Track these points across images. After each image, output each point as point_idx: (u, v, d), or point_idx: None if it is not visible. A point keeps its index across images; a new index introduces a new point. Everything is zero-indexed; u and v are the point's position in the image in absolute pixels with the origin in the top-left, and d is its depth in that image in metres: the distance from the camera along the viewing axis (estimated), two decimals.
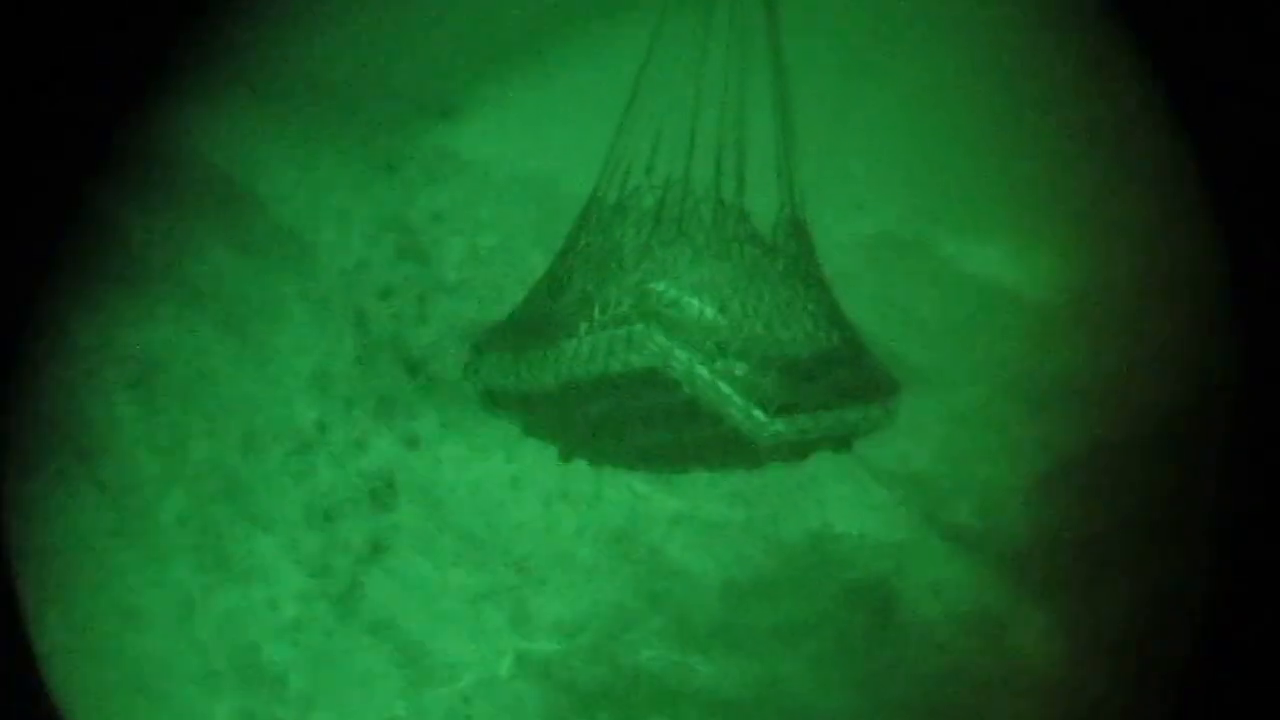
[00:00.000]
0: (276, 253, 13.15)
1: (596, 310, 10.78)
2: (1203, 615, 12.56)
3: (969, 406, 13.22)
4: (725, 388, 10.65)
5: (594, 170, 11.73)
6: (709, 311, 10.81)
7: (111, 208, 12.86)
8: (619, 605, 13.29)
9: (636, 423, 11.11)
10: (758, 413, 10.79)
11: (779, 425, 10.86)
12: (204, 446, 12.96)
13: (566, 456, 12.07)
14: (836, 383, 11.21)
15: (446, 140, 13.26)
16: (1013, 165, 13.31)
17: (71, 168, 12.25)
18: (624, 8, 12.21)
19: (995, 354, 13.26)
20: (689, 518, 13.32)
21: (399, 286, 13.34)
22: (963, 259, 13.34)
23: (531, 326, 11.24)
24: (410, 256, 13.32)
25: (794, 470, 12.08)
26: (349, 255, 13.24)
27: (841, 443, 11.50)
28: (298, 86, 13.04)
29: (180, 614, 12.83)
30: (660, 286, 10.70)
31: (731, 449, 11.19)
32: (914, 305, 13.37)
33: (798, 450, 11.30)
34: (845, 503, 13.22)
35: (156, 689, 12.75)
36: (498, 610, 13.25)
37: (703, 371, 10.54)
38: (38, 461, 12.62)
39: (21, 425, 12.56)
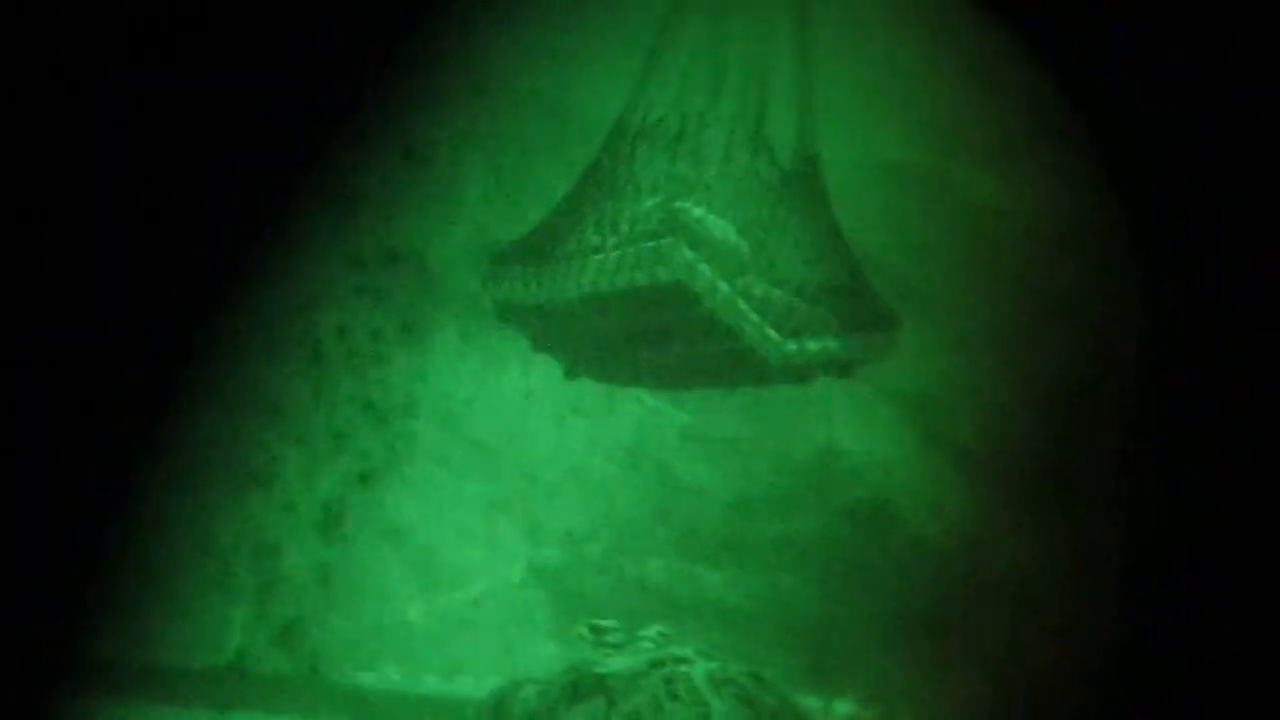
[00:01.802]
0: None
1: (625, 225, 11.05)
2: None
3: (973, 330, 13.48)
4: (743, 305, 10.96)
5: (613, 92, 11.96)
6: (730, 232, 11.09)
7: None
8: (628, 517, 13.58)
9: (651, 336, 11.41)
10: (771, 332, 11.12)
11: (791, 346, 11.22)
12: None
13: (573, 373, 12.37)
14: (841, 311, 11.55)
15: (467, 57, 13.34)
16: (1018, 96, 13.49)
17: None
18: None
19: (1000, 279, 13.48)
20: (698, 433, 13.60)
21: (418, 201, 13.48)
22: (970, 187, 13.56)
23: (553, 242, 11.48)
24: (430, 172, 13.46)
25: (803, 389, 12.34)
26: (369, 168, 13.34)
27: (843, 369, 11.85)
28: None
29: (200, 520, 12.95)
30: (686, 205, 10.96)
31: (741, 367, 11.52)
32: (922, 232, 13.59)
33: (802, 373, 11.64)
34: (852, 422, 13.50)
35: (175, 593, 12.91)
36: (510, 520, 13.52)
37: (724, 287, 10.83)
38: None
39: None
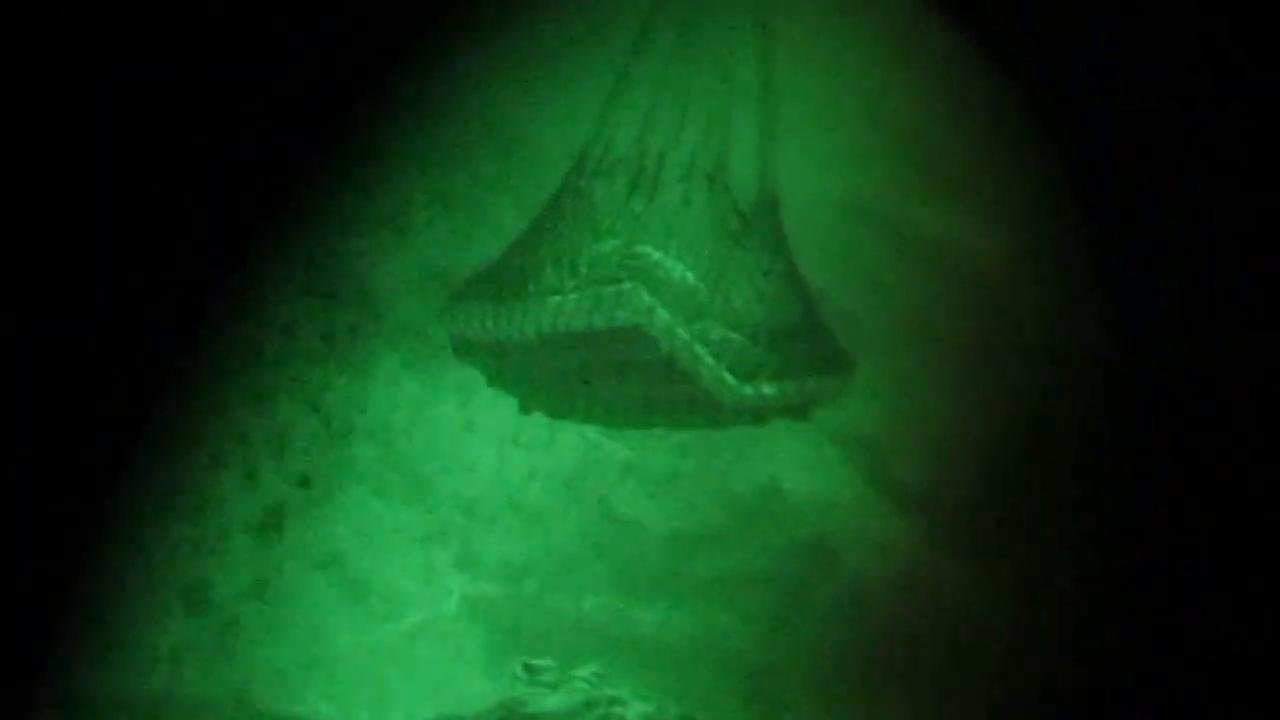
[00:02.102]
0: None
1: (583, 267, 11.02)
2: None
3: (919, 368, 13.48)
4: (700, 349, 10.98)
5: (568, 124, 11.87)
6: (689, 276, 11.10)
7: None
8: (564, 551, 13.43)
9: (608, 376, 11.39)
10: (728, 376, 11.13)
11: (747, 389, 11.25)
12: None
13: (527, 408, 12.28)
14: (797, 354, 11.59)
15: (418, 83, 13.21)
16: (970, 135, 13.52)
17: None
18: None
19: (947, 317, 13.49)
20: (639, 467, 13.46)
21: (363, 228, 13.33)
22: (919, 225, 13.55)
23: (512, 280, 11.42)
24: (376, 197, 13.30)
25: (746, 428, 12.29)
26: (313, 193, 13.19)
27: (798, 412, 11.88)
28: None
29: (130, 547, 12.73)
30: (645, 249, 10.94)
31: (696, 408, 11.52)
32: (870, 269, 13.57)
33: (757, 415, 11.65)
34: (795, 460, 13.42)
35: (103, 621, 12.69)
36: (445, 551, 13.35)
37: (681, 332, 10.85)
38: None
39: None
